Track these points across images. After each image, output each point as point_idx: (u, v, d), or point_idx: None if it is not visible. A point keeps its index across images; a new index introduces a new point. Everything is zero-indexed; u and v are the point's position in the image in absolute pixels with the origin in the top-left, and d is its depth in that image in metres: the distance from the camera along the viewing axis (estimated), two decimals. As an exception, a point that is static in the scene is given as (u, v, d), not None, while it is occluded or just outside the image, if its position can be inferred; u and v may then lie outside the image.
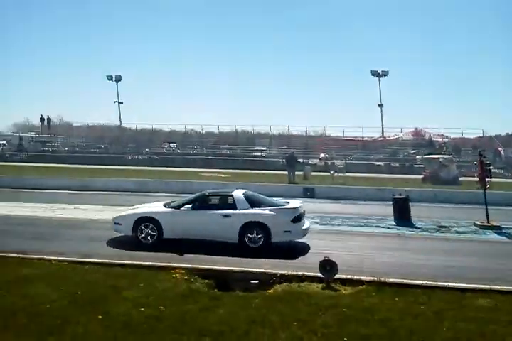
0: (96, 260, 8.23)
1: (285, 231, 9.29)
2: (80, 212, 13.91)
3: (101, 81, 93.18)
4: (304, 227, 9.63)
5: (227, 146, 40.85)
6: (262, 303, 6.11)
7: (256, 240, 9.22)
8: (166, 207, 10.06)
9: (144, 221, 9.60)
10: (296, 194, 17.15)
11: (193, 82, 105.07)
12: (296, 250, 9.38)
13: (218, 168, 29.98)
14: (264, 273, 7.59)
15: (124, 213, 10.20)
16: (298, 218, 9.42)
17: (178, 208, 9.80)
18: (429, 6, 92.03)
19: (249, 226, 9.23)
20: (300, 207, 9.74)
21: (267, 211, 9.39)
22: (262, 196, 10.41)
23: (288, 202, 10.02)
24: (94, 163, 31.52)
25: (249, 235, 9.22)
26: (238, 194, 9.82)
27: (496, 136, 40.87)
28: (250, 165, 31.76)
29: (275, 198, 10.77)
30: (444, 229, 12.16)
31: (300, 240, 9.76)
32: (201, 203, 9.81)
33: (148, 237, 9.57)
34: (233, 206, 9.51)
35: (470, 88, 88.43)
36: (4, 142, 41.26)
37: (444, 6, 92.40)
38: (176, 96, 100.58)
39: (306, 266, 7.72)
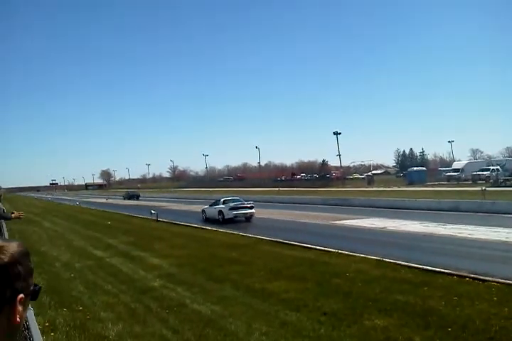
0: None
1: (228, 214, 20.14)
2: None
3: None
4: (237, 213, 20.07)
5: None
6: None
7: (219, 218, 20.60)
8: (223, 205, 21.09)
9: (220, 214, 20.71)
10: None
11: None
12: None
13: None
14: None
15: (211, 209, 21.84)
16: (234, 208, 20.15)
17: (214, 205, 21.87)
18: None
19: (220, 212, 20.67)
20: (241, 203, 20.89)
21: (220, 205, 21.06)
22: (234, 198, 22.14)
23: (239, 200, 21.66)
24: None
25: (219, 216, 20.68)
26: (220, 199, 22.07)
27: None
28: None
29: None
30: None
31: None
32: (216, 204, 21.76)
33: (220, 218, 20.57)
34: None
35: None
36: (497, 167, 42.18)
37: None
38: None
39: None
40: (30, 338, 1.97)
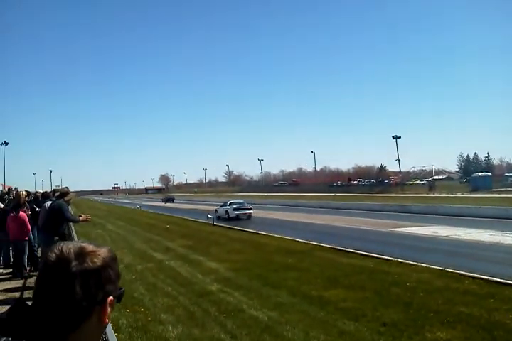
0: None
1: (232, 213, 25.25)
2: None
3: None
4: (238, 213, 25.08)
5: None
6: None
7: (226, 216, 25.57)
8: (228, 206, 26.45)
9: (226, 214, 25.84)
10: None
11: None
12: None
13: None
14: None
15: (221, 209, 26.87)
16: (236, 209, 25.21)
17: (223, 207, 26.92)
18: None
19: (226, 212, 25.97)
20: (242, 204, 26.09)
21: (227, 206, 26.12)
22: (239, 201, 27.47)
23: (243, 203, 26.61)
24: None
25: (226, 214, 25.77)
26: (227, 202, 27.37)
27: None
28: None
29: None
30: None
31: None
32: (224, 206, 26.90)
33: (226, 216, 25.45)
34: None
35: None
36: None
37: None
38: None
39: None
40: (105, 337, 2.13)
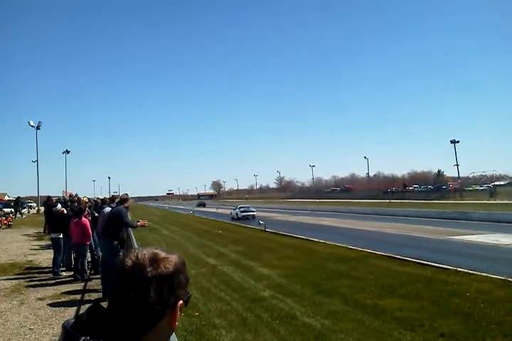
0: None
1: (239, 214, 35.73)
2: None
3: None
4: (244, 214, 35.40)
5: None
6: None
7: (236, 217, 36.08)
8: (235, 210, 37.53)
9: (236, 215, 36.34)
10: None
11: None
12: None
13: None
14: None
15: (233, 211, 37.79)
16: (243, 211, 35.83)
17: (235, 210, 37.77)
18: None
19: (236, 214, 36.45)
20: (248, 208, 37.32)
21: (237, 209, 37.10)
22: (245, 206, 39.66)
23: (249, 207, 38.02)
24: None
25: (236, 215, 36.33)
26: (237, 206, 38.86)
27: None
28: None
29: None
30: None
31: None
32: (235, 209, 37.75)
33: (236, 217, 35.92)
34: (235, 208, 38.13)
35: None
36: None
37: None
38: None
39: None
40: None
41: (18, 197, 38.63)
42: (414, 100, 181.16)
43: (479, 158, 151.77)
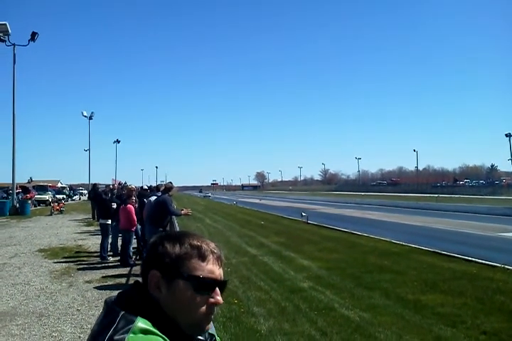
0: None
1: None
2: None
3: None
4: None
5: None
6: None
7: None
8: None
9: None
10: None
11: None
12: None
13: None
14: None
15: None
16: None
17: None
18: None
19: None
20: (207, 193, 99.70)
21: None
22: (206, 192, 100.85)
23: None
24: None
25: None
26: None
27: None
28: None
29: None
30: None
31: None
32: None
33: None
34: None
35: None
36: None
37: None
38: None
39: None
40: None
41: (71, 185, 40.52)
42: (465, 94, 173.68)
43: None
